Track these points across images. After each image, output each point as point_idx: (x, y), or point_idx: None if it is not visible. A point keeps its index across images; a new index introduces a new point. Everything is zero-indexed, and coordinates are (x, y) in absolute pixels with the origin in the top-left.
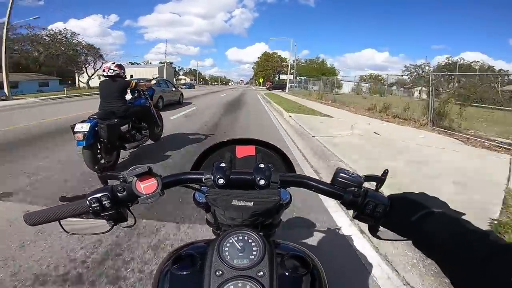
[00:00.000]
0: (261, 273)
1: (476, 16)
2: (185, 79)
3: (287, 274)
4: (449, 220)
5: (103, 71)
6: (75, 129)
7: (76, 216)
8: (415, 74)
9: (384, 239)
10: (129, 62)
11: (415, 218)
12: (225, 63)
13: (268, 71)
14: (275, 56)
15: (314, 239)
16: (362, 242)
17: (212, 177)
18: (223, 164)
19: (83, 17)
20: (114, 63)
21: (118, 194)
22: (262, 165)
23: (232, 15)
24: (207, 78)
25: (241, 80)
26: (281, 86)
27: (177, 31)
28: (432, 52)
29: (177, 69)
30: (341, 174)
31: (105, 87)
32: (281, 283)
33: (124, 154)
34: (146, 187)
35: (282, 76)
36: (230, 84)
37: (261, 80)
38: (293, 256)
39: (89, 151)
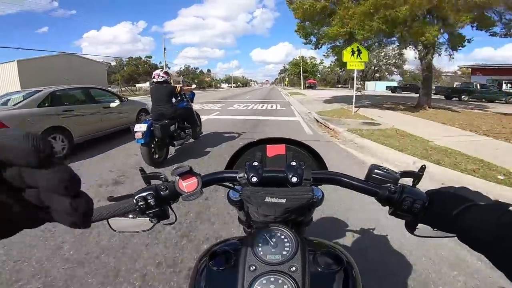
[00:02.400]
0: (294, 268)
1: None
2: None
3: (319, 270)
4: (493, 213)
5: (153, 77)
6: (135, 129)
7: (123, 214)
8: None
9: (423, 236)
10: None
11: (456, 212)
12: (250, 64)
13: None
14: None
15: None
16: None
17: (245, 175)
18: (255, 163)
19: (114, 25)
20: (162, 70)
21: (161, 192)
22: (293, 163)
23: (253, 15)
24: (214, 78)
25: (266, 81)
26: None
27: (201, 34)
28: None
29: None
30: (375, 170)
31: (155, 92)
32: (313, 278)
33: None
34: (187, 185)
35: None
36: (252, 85)
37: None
38: (325, 253)
39: (146, 148)
